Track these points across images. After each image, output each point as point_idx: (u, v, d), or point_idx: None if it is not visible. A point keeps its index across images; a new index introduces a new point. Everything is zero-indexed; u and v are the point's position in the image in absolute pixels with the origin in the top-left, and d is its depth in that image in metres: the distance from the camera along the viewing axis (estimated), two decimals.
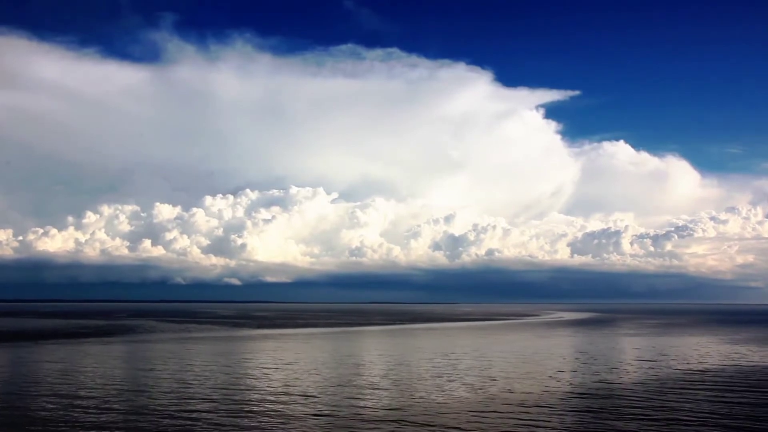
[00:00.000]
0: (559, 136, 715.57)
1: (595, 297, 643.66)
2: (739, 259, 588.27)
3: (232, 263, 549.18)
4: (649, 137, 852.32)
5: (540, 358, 52.26)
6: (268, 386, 35.53)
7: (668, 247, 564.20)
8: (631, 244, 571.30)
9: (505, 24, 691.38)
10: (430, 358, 51.07)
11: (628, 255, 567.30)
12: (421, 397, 31.83)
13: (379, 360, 50.58)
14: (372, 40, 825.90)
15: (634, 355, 55.84)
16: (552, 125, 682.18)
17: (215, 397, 31.71)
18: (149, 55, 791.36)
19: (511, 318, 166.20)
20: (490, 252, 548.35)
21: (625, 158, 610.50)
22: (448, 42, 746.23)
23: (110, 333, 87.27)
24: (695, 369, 44.44)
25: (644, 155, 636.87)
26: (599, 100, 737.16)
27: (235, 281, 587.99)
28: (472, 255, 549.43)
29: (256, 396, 32.24)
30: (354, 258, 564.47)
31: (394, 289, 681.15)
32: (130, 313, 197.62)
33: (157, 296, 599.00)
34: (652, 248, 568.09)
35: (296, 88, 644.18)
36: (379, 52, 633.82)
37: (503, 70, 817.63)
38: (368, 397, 32.12)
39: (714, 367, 46.02)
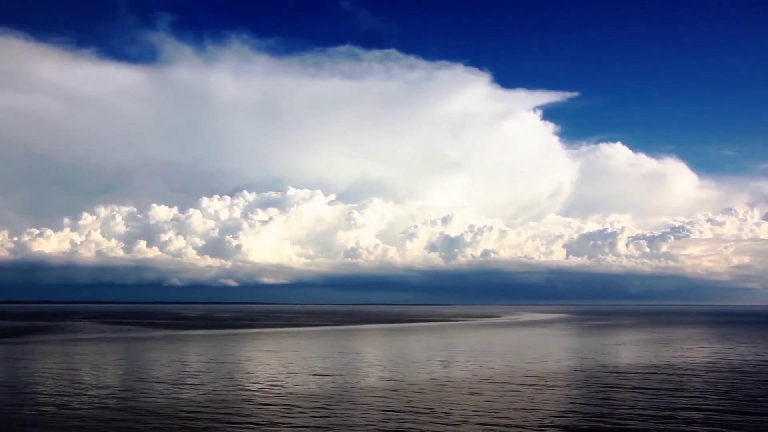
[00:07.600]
0: (556, 138, 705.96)
1: (591, 298, 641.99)
2: (736, 261, 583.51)
3: (228, 264, 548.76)
4: (646, 139, 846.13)
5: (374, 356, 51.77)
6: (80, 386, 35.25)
7: (664, 248, 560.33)
8: (627, 245, 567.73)
9: (503, 25, 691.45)
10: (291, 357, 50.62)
11: (623, 256, 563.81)
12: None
13: (202, 361, 50.00)
14: (370, 41, 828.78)
15: (480, 353, 55.07)
16: (550, 126, 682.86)
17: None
18: (146, 56, 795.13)
19: (469, 319, 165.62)
20: (486, 253, 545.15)
21: (622, 159, 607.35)
22: (446, 43, 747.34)
23: (20, 335, 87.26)
24: (510, 366, 43.86)
25: (642, 157, 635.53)
26: (597, 102, 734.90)
27: (232, 282, 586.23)
28: (468, 256, 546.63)
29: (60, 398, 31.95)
30: (349, 259, 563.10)
31: (390, 290, 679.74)
32: (88, 315, 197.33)
33: (153, 298, 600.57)
34: (648, 249, 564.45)
35: (294, 89, 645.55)
36: (376, 53, 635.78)
37: (501, 71, 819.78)
38: (144, 396, 31.71)
39: (536, 366, 45.24)
